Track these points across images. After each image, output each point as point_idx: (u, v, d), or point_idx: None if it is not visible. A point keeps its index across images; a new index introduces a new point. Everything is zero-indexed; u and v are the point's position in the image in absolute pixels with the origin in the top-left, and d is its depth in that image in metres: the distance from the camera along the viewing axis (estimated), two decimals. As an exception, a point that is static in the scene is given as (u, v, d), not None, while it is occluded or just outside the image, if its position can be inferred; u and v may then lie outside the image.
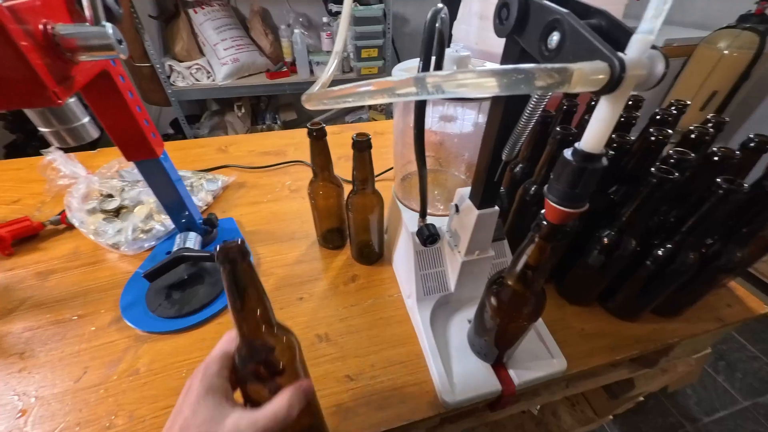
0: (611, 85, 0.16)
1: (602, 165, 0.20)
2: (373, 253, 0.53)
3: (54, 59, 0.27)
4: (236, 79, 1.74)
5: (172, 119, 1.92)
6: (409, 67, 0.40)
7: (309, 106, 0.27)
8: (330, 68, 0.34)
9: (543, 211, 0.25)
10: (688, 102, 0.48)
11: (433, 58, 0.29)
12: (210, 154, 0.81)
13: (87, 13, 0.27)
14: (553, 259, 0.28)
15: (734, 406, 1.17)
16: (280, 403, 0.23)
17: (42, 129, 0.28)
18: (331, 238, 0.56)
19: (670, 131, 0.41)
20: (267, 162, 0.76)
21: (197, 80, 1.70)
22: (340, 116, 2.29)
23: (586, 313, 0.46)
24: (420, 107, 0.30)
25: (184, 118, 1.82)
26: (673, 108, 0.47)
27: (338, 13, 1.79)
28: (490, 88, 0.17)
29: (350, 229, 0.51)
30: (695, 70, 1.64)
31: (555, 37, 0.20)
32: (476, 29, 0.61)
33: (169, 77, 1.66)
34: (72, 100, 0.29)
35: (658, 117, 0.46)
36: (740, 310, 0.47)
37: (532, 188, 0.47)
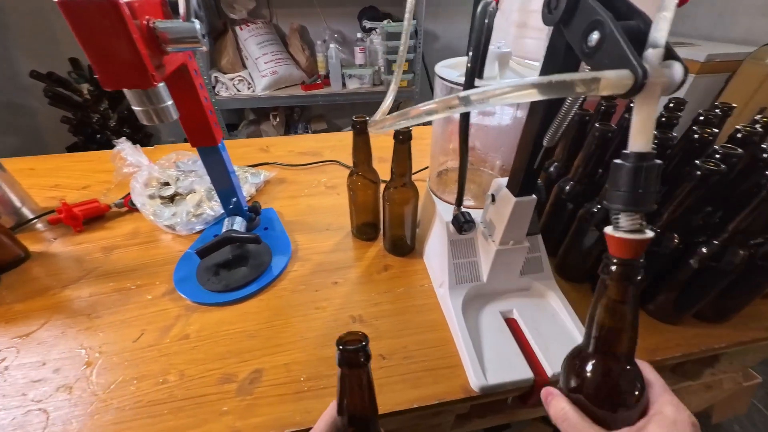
0: (635, 90, 0.18)
1: (657, 163, 0.20)
2: (405, 246, 0.55)
3: (152, 49, 0.31)
4: (274, 91, 1.85)
5: (213, 126, 2.06)
6: (452, 63, 0.42)
7: (373, 131, 0.30)
8: (388, 100, 0.37)
9: (606, 253, 0.23)
10: (734, 105, 0.48)
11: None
12: (253, 152, 0.87)
13: (181, 11, 0.32)
14: (635, 318, 0.24)
15: (790, 448, 1.05)
16: None
17: (136, 108, 0.33)
18: (365, 230, 0.58)
19: (716, 130, 0.41)
20: (304, 161, 0.81)
21: (239, 91, 1.83)
22: (368, 127, 2.36)
23: (623, 313, 0.45)
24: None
25: (225, 126, 1.95)
26: (717, 110, 0.47)
27: (372, 29, 1.88)
28: (533, 96, 0.19)
29: (385, 220, 0.53)
30: (741, 86, 1.57)
31: (595, 36, 0.22)
32: (513, 37, 0.64)
33: (213, 87, 1.80)
34: (161, 85, 0.33)
35: (701, 118, 0.45)
36: (795, 321, 0.44)
37: (567, 186, 0.48)
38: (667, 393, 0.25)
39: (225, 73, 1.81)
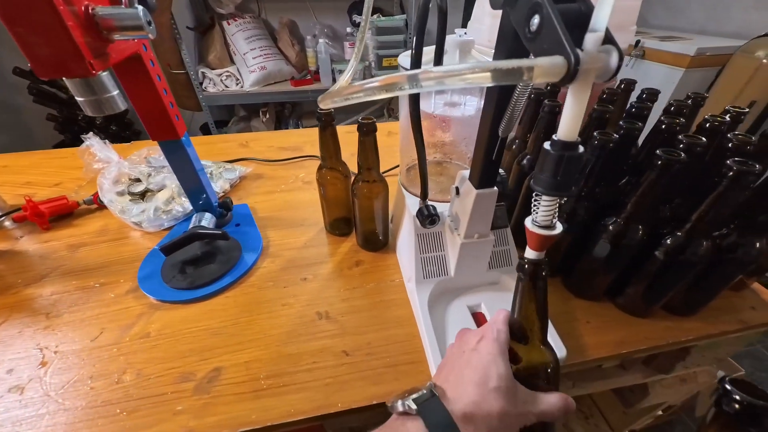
0: (569, 77, 0.18)
1: (579, 153, 0.21)
2: (377, 241, 0.54)
3: (93, 36, 0.30)
4: (263, 86, 1.83)
5: (202, 124, 2.04)
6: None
7: (323, 106, 0.29)
8: (347, 74, 0.36)
9: (525, 254, 0.26)
10: (706, 95, 0.47)
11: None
12: (233, 148, 0.85)
13: (123, -3, 0.31)
14: (544, 306, 0.27)
15: (775, 440, 1.06)
16: (557, 403, 0.25)
17: (78, 98, 0.32)
18: (339, 225, 0.57)
19: (682, 120, 0.40)
20: (285, 157, 0.80)
21: (227, 87, 1.80)
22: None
23: (593, 307, 0.45)
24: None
25: (213, 123, 1.93)
26: (689, 100, 0.46)
27: (362, 24, 1.86)
28: (476, 80, 0.18)
29: (356, 215, 0.52)
30: (731, 80, 1.56)
31: (536, 21, 0.21)
32: (488, 27, 0.62)
33: (201, 83, 1.77)
34: (104, 74, 0.32)
35: (672, 108, 0.45)
36: (765, 313, 0.43)
37: (539, 178, 0.47)
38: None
39: (212, 69, 1.78)
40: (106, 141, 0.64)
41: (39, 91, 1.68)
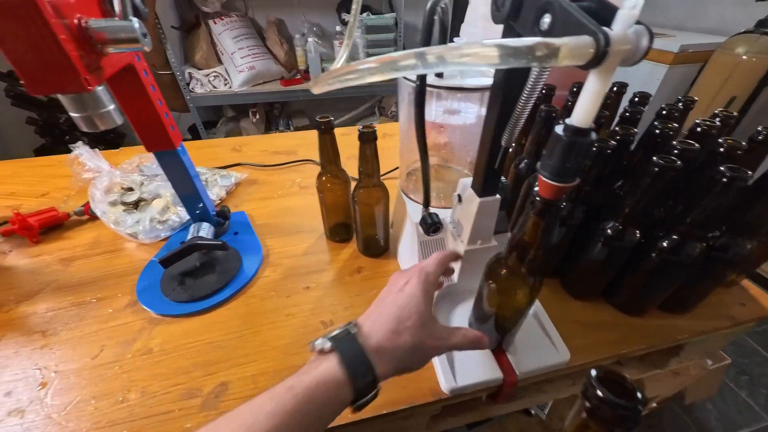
0: (597, 59, 0.17)
1: (591, 139, 0.21)
2: (378, 247, 0.54)
3: (87, 50, 0.29)
4: (252, 86, 1.80)
5: (190, 125, 2.00)
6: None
7: (316, 90, 0.28)
8: (340, 60, 0.35)
9: (536, 188, 0.26)
10: (695, 98, 0.48)
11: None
12: (225, 153, 0.84)
13: (117, 9, 0.30)
14: (548, 238, 0.28)
15: (758, 423, 1.11)
16: (469, 339, 0.30)
17: (73, 114, 0.31)
18: (338, 231, 0.57)
19: (675, 125, 0.41)
20: (278, 161, 0.79)
21: (215, 87, 1.77)
22: (350, 123, 2.34)
23: (590, 307, 0.46)
24: (420, 92, 0.32)
25: (201, 124, 1.89)
26: (680, 104, 0.47)
27: (351, 22, 1.84)
28: (487, 58, 0.17)
29: (356, 222, 0.52)
30: (712, 76, 1.60)
31: (547, 20, 0.21)
32: (482, 31, 0.63)
33: (188, 84, 1.73)
34: (100, 88, 0.31)
35: (664, 112, 0.46)
36: (754, 309, 0.45)
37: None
38: None
39: (199, 69, 1.75)
40: (97, 150, 0.62)
41: (17, 94, 1.62)
